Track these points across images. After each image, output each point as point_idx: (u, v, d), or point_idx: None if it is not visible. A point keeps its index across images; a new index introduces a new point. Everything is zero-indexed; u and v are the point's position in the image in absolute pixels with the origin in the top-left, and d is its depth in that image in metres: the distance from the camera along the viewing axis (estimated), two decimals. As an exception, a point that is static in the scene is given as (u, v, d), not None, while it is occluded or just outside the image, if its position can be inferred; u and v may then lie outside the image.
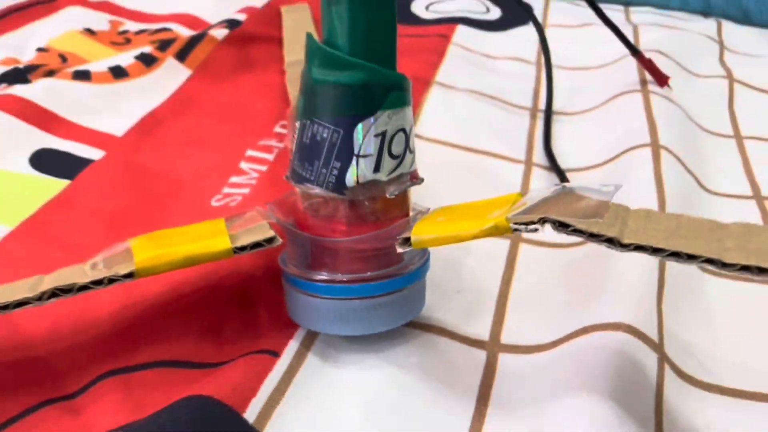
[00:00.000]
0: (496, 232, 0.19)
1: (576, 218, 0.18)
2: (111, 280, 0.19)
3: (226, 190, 0.29)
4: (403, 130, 0.21)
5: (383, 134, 0.20)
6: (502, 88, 0.38)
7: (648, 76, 0.37)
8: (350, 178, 0.20)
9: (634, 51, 0.36)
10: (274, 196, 0.28)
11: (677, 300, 0.24)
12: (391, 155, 0.20)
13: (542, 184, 0.31)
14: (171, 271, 0.20)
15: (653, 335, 0.22)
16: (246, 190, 0.29)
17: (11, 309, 0.19)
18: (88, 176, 0.29)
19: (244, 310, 0.23)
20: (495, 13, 0.48)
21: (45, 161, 0.30)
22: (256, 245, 0.20)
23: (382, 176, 0.20)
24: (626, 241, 0.17)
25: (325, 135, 0.20)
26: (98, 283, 0.19)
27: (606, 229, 0.17)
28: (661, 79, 0.36)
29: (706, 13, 0.50)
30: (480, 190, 0.30)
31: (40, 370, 0.21)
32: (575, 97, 0.38)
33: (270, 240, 0.20)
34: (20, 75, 0.36)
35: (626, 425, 0.19)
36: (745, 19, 0.49)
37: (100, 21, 0.43)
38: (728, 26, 0.48)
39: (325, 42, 0.21)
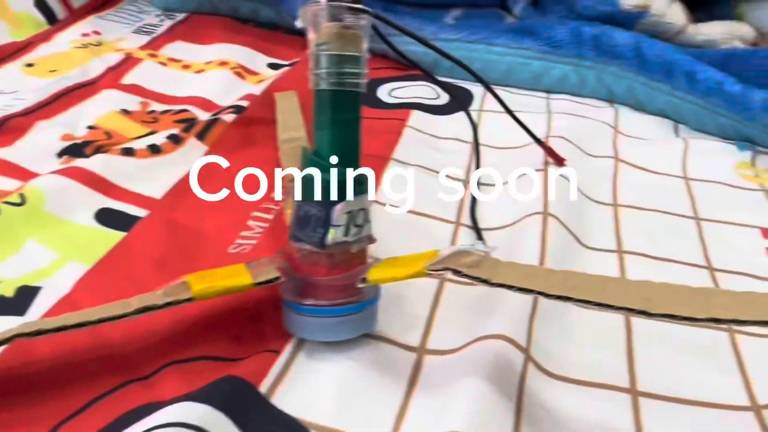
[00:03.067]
0: (418, 275, 0.30)
1: (464, 267, 0.30)
2: (178, 302, 0.30)
3: (238, 241, 0.40)
4: (363, 209, 0.32)
5: (350, 212, 0.32)
6: (443, 163, 0.51)
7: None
8: (329, 239, 0.32)
9: (537, 140, 0.49)
10: (274, 246, 0.39)
11: (545, 320, 0.36)
12: (355, 225, 0.32)
13: (465, 240, 0.43)
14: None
15: (523, 342, 0.34)
16: (254, 242, 0.40)
17: (110, 321, 0.30)
18: (138, 229, 0.40)
19: (255, 323, 0.34)
20: (443, 99, 0.60)
21: (106, 217, 0.41)
22: (268, 281, 0.32)
23: (349, 238, 0.32)
24: (494, 281, 0.29)
25: (313, 212, 0.32)
26: (170, 303, 0.30)
27: (481, 273, 0.29)
28: (559, 161, 0.49)
29: (610, 101, 0.64)
30: (419, 243, 0.42)
31: (121, 362, 0.32)
32: (496, 172, 0.50)
33: (277, 278, 0.32)
34: (78, 149, 0.47)
35: (497, 398, 0.30)
36: (639, 107, 0.62)
37: (132, 102, 0.54)
38: (625, 113, 0.61)
39: (315, 152, 0.32)
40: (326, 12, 0.31)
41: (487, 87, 0.48)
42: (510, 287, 0.29)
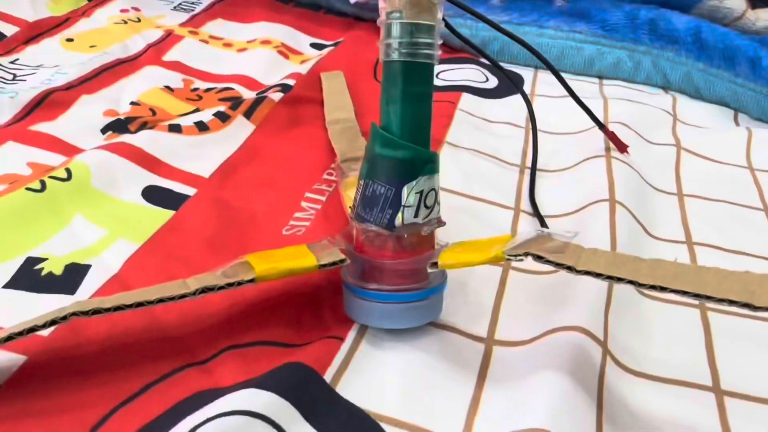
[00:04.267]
0: (495, 260, 0.28)
1: (547, 253, 0.27)
2: (239, 283, 0.28)
3: (292, 222, 0.38)
4: (434, 189, 0.30)
5: (421, 192, 0.30)
6: (497, 147, 0.48)
7: (611, 144, 0.47)
8: (398, 220, 0.30)
9: (600, 125, 0.46)
10: (329, 228, 0.37)
11: (620, 312, 0.34)
12: (425, 206, 0.30)
13: (526, 227, 0.41)
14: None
15: (600, 335, 0.31)
16: (307, 224, 0.38)
17: (169, 302, 0.28)
18: (187, 208, 0.39)
19: (315, 308, 0.33)
20: (492, 82, 0.58)
21: (153, 195, 0.39)
22: (333, 263, 0.30)
23: (419, 220, 0.30)
24: (579, 268, 0.27)
25: (382, 191, 0.30)
26: (231, 284, 0.28)
27: (566, 260, 0.27)
28: (621, 147, 0.47)
29: (665, 88, 0.61)
30: (479, 230, 0.40)
31: (177, 345, 0.30)
32: (555, 158, 0.48)
33: (343, 260, 0.30)
34: (122, 125, 0.45)
35: (578, 394, 0.28)
36: (696, 94, 0.60)
37: (175, 79, 0.52)
38: (682, 101, 0.59)
39: (383, 127, 0.30)
40: (400, -22, 0.29)
41: (553, 70, 0.46)
42: (597, 275, 0.27)
